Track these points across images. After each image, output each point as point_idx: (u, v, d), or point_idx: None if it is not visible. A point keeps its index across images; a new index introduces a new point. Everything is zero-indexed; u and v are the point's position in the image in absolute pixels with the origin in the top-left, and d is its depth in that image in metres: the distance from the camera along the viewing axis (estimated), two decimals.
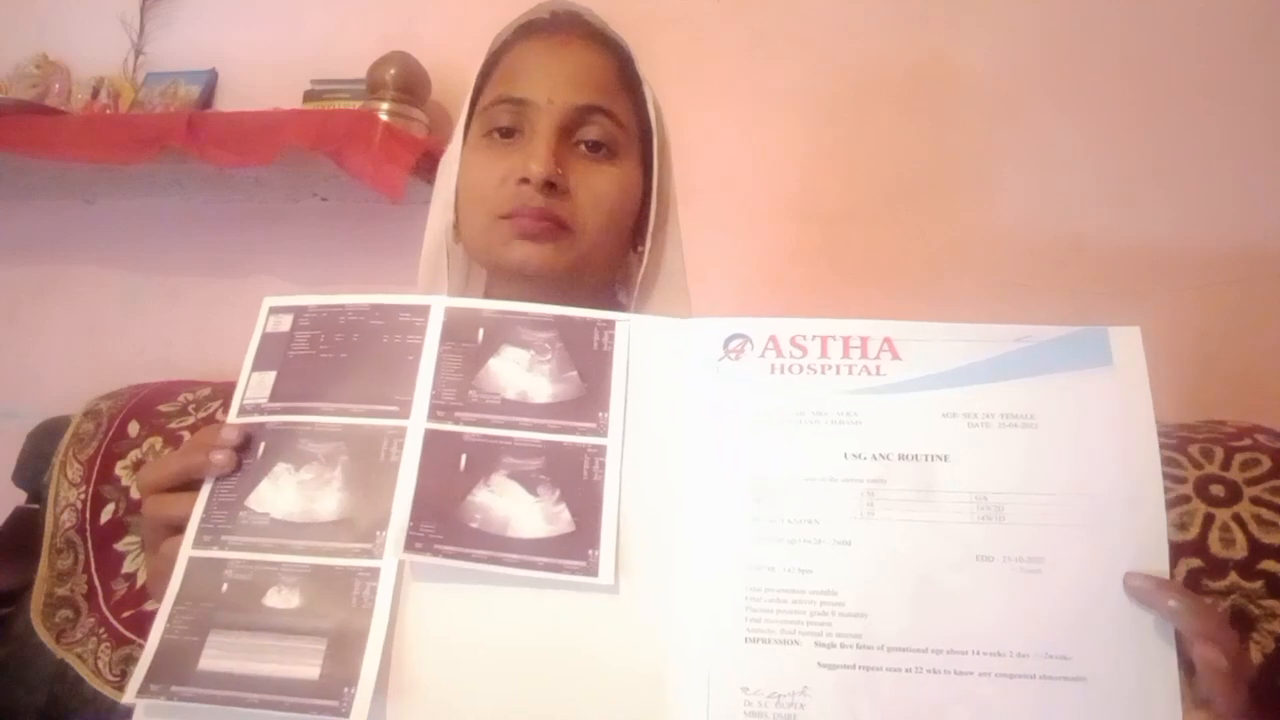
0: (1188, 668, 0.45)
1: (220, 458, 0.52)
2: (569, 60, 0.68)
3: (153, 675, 0.47)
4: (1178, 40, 1.22)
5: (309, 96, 1.42)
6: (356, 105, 1.35)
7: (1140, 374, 0.48)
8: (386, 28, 1.45)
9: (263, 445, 0.52)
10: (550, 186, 0.63)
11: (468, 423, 0.52)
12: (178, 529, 0.52)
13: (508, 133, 0.67)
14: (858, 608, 0.46)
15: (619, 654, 0.47)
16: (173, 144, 1.28)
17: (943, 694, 0.45)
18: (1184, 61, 1.22)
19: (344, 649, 0.47)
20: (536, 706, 0.46)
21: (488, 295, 0.74)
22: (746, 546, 0.48)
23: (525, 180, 0.63)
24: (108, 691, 1.01)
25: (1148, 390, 0.48)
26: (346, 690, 0.46)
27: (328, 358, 0.54)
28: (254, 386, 0.54)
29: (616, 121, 0.68)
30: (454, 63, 1.42)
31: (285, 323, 0.56)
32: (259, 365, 0.55)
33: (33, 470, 1.19)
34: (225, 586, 0.49)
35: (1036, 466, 0.48)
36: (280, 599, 0.48)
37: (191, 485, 0.53)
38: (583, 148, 0.67)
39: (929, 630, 0.46)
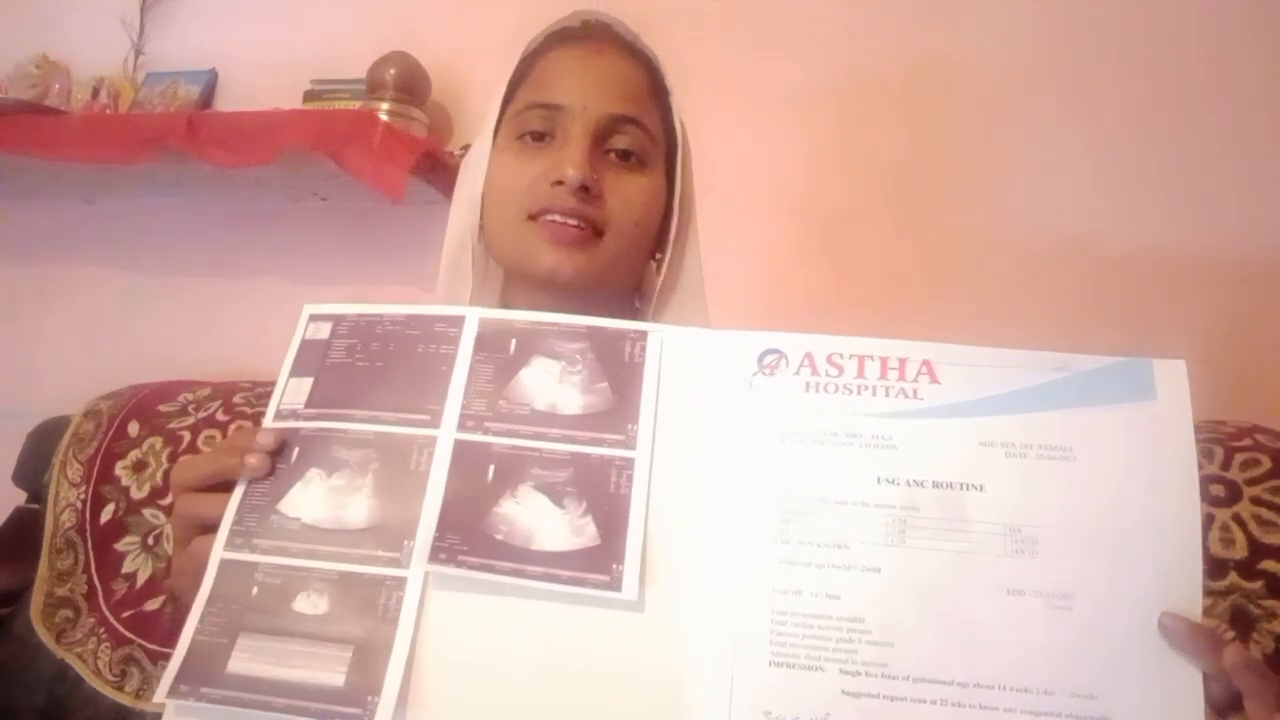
0: (1216, 709, 0.45)
1: (254, 461, 0.52)
2: (603, 69, 0.69)
3: (183, 676, 0.48)
4: (1178, 40, 1.22)
5: (309, 96, 1.42)
6: (356, 105, 1.35)
7: (1184, 410, 0.48)
8: (386, 28, 1.45)
9: (296, 450, 0.53)
10: (584, 190, 0.64)
11: (497, 433, 0.52)
12: (208, 529, 0.52)
13: (539, 136, 0.68)
14: (884, 636, 0.46)
15: (640, 671, 0.46)
16: (173, 144, 1.28)
17: None
18: (1185, 62, 1.22)
19: (369, 657, 0.47)
20: None
21: (504, 298, 0.75)
22: (773, 568, 0.47)
23: (559, 182, 0.64)
24: (108, 691, 1.01)
25: (1191, 428, 0.47)
26: (370, 699, 0.46)
27: (364, 366, 0.55)
28: (290, 392, 0.55)
29: (646, 132, 0.68)
30: (454, 63, 1.42)
31: (324, 330, 0.57)
32: (296, 371, 0.56)
33: (33, 470, 1.19)
34: (255, 590, 0.50)
35: (1073, 501, 0.47)
36: (309, 604, 0.49)
37: (224, 486, 0.53)
38: (613, 155, 0.67)
39: (955, 663, 0.45)
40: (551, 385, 0.52)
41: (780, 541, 0.48)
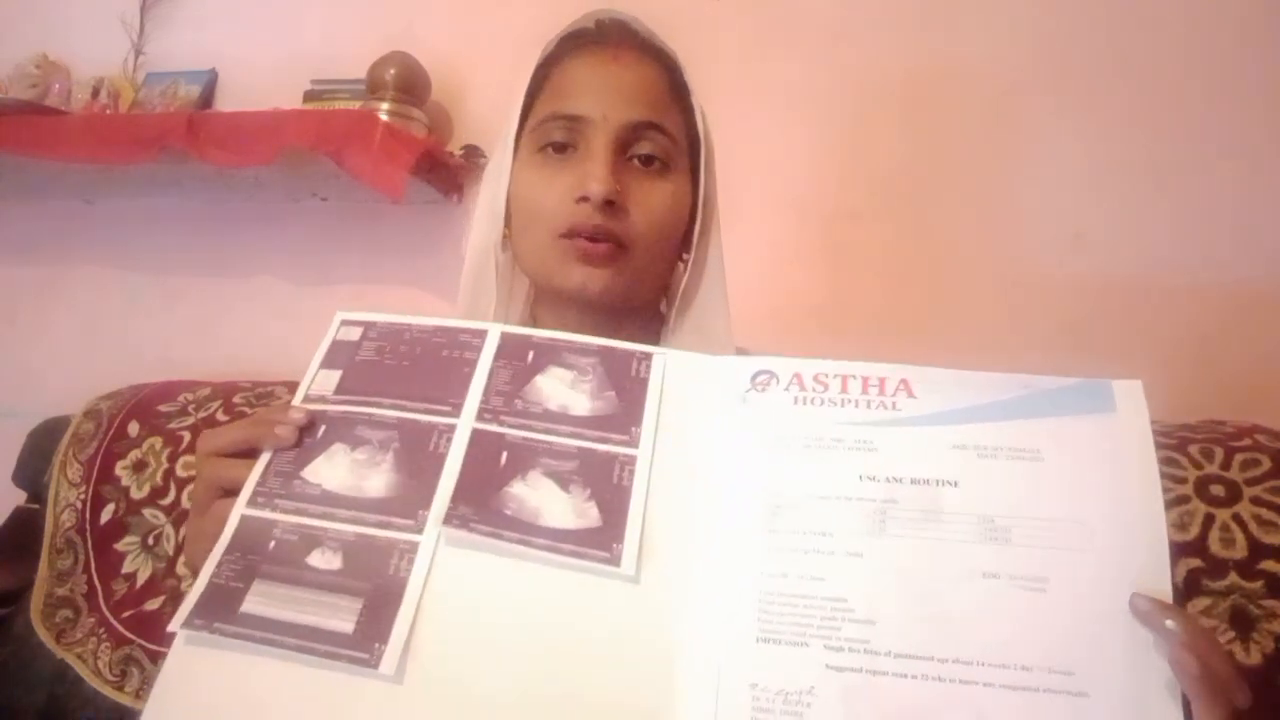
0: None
1: (284, 431, 0.55)
2: (622, 75, 0.69)
3: (199, 611, 0.51)
4: (1177, 40, 1.23)
5: (309, 96, 1.42)
6: (356, 105, 1.35)
7: (1143, 420, 0.51)
8: (386, 28, 1.45)
9: (323, 428, 0.57)
10: (609, 204, 0.65)
11: (511, 425, 0.56)
12: (229, 493, 0.55)
13: (561, 148, 0.68)
14: (866, 615, 0.48)
15: (634, 643, 0.49)
16: (173, 144, 1.28)
17: (944, 701, 0.46)
18: (1184, 62, 1.22)
19: (378, 609, 0.50)
20: (550, 680, 0.49)
21: (533, 307, 0.76)
22: (763, 554, 0.51)
23: (584, 198, 0.65)
24: (107, 691, 1.01)
25: (1149, 435, 0.50)
26: (378, 646, 0.49)
27: (391, 364, 0.59)
28: (320, 381, 0.59)
29: (669, 136, 0.69)
30: (454, 63, 1.42)
31: (355, 334, 0.61)
32: (326, 365, 0.60)
33: (33, 470, 1.19)
34: (273, 544, 0.53)
35: (1042, 495, 0.50)
36: (323, 560, 0.52)
37: (249, 454, 0.56)
38: (636, 162, 0.68)
39: (934, 640, 0.47)
40: (564, 390, 0.57)
41: (769, 530, 0.51)
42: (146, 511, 1.10)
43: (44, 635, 1.05)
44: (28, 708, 1.03)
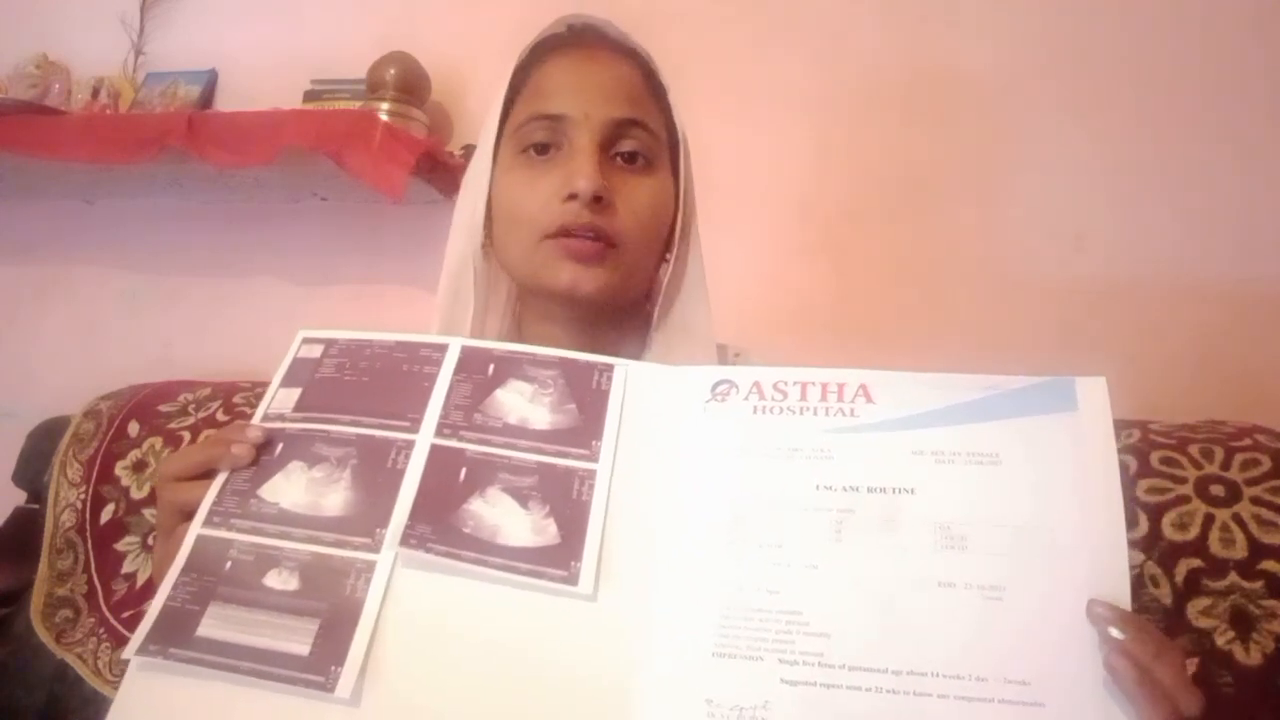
0: None
1: (239, 450, 0.55)
2: (600, 74, 0.68)
3: (153, 637, 0.50)
4: (1178, 40, 1.23)
5: (309, 96, 1.42)
6: (356, 105, 1.35)
7: (1105, 419, 0.50)
8: (386, 28, 1.45)
9: (280, 446, 0.56)
10: (598, 200, 0.64)
11: (471, 441, 0.55)
12: (190, 516, 0.55)
13: (543, 149, 0.67)
14: (821, 628, 0.48)
15: (591, 660, 0.49)
16: (172, 144, 1.28)
17: (899, 713, 0.45)
18: (1184, 62, 1.22)
19: (334, 631, 0.49)
20: (507, 702, 0.48)
21: (519, 313, 0.75)
22: (720, 567, 0.51)
23: (572, 196, 0.64)
24: (107, 691, 1.01)
25: (1111, 433, 0.50)
26: (334, 669, 0.48)
27: (351, 380, 0.59)
28: (279, 399, 0.59)
29: (650, 132, 0.68)
30: (454, 63, 1.43)
31: (316, 351, 0.61)
32: (286, 383, 0.60)
33: (33, 470, 1.19)
34: (229, 565, 0.52)
35: (1000, 500, 0.49)
36: (279, 580, 0.51)
37: (210, 476, 0.56)
38: (619, 160, 0.67)
39: (890, 652, 0.47)
40: (524, 404, 0.57)
41: (728, 543, 0.51)
42: (146, 511, 1.10)
43: (44, 635, 1.05)
44: (28, 708, 1.03)
